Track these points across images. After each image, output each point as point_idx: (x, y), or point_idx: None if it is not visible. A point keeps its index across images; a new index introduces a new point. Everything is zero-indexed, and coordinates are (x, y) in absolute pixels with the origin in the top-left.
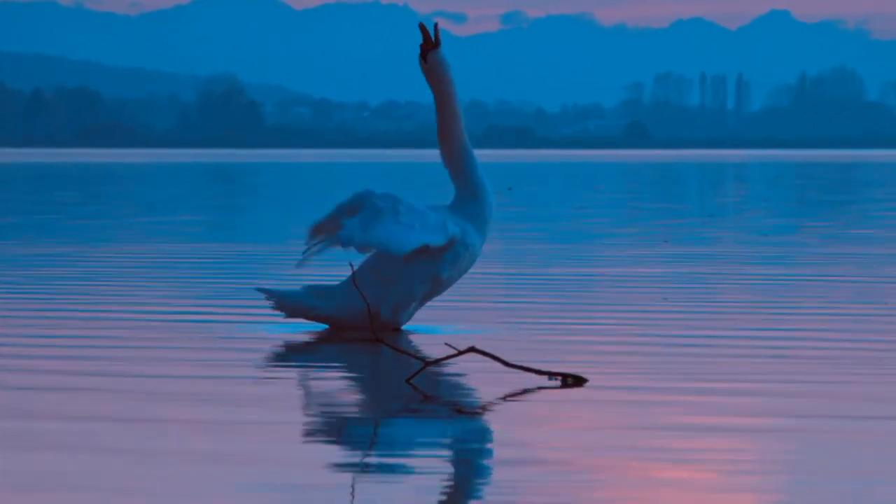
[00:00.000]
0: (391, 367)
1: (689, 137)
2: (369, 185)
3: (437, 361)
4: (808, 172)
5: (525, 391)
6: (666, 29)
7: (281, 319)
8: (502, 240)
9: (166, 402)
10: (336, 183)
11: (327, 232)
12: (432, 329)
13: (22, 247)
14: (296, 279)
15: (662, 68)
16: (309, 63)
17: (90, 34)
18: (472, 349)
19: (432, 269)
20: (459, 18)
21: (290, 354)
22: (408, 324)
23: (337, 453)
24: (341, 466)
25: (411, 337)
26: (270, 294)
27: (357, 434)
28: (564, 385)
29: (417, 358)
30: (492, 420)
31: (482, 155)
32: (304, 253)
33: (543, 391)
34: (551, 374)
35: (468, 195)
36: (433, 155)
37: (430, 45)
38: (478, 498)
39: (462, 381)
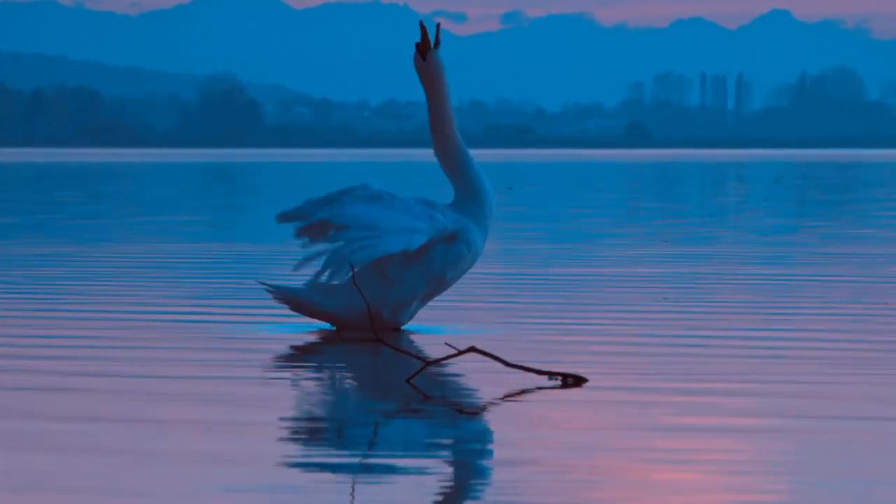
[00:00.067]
0: (391, 367)
1: (689, 137)
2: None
3: (438, 361)
4: (809, 172)
5: (525, 391)
6: (666, 29)
7: (281, 319)
8: (502, 240)
9: (166, 403)
10: (336, 183)
11: (314, 235)
12: (432, 329)
13: (22, 247)
14: (296, 278)
15: (663, 68)
16: (309, 63)
17: (90, 34)
18: (472, 349)
19: (434, 269)
20: (460, 18)
21: (290, 354)
22: (408, 323)
23: (337, 453)
24: (341, 466)
25: (412, 337)
26: (273, 288)
27: (357, 434)
28: (564, 385)
29: (418, 358)
30: (492, 420)
31: (482, 154)
32: (301, 259)
33: (543, 391)
34: (551, 374)
35: (467, 195)
36: (433, 155)
37: (427, 44)
38: (478, 498)
39: (462, 381)
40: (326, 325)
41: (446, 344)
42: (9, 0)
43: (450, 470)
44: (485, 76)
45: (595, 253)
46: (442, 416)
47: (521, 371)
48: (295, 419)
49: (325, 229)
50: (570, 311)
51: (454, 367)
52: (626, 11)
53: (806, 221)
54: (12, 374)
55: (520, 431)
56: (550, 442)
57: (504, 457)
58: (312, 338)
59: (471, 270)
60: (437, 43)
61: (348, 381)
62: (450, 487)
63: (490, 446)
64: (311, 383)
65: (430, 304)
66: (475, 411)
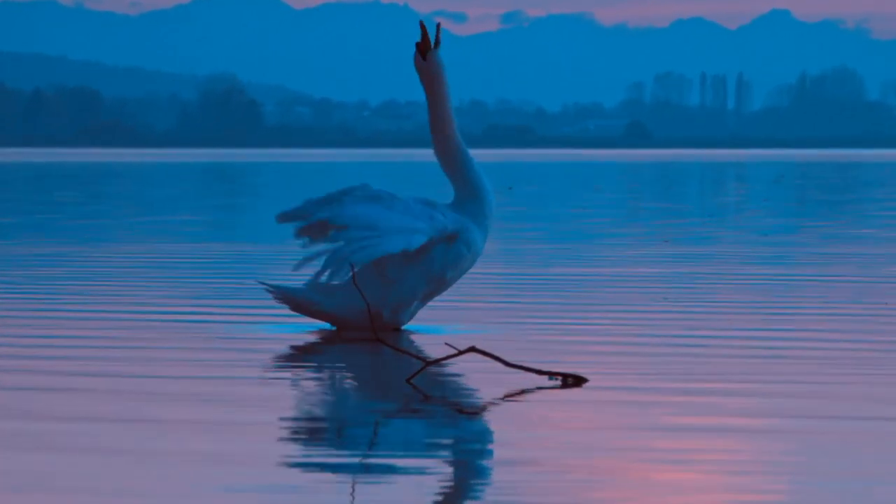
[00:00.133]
0: (391, 367)
1: (689, 137)
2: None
3: (438, 361)
4: (809, 172)
5: (525, 391)
6: (666, 28)
7: (281, 319)
8: (502, 240)
9: (166, 403)
10: (336, 183)
11: (314, 235)
12: (432, 329)
13: (22, 247)
14: (297, 279)
15: (663, 68)
16: (309, 63)
17: (90, 34)
18: (472, 349)
19: (434, 269)
20: (460, 18)
21: (290, 354)
22: (408, 323)
23: (337, 453)
24: (341, 466)
25: (412, 337)
26: (273, 288)
27: (357, 434)
28: (564, 385)
29: (418, 358)
30: (492, 420)
31: (482, 154)
32: (301, 259)
33: (543, 391)
34: (551, 374)
35: (468, 195)
36: (433, 155)
37: (427, 44)
38: (478, 498)
39: (462, 381)
40: (326, 325)
41: (446, 344)
42: (9, 0)
43: (450, 470)
44: (485, 76)
45: (595, 253)
46: (442, 416)
47: (522, 371)
48: (295, 419)
49: (325, 229)
50: (570, 311)
51: (454, 367)
52: (626, 11)
53: (806, 221)
54: (12, 374)
55: (520, 431)
56: (550, 442)
57: (504, 457)
58: (312, 338)
59: (471, 270)
60: (437, 43)
61: (348, 381)
62: (450, 487)
63: (490, 446)
64: (311, 383)
65: (430, 304)
66: (475, 411)
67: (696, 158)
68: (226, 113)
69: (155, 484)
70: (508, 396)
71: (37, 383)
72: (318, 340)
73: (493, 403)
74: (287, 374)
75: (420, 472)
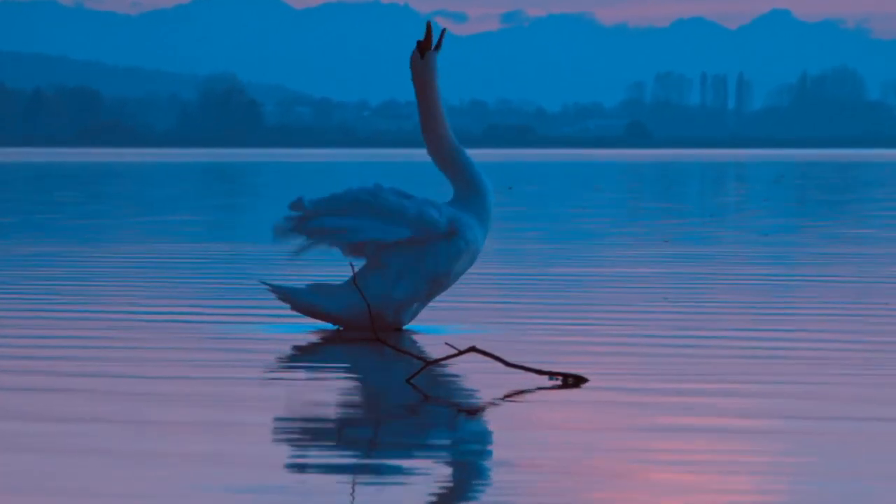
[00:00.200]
0: (391, 366)
1: (689, 137)
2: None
3: (438, 361)
4: (809, 172)
5: (525, 391)
6: (666, 28)
7: (280, 320)
8: (502, 240)
9: (165, 403)
10: (336, 183)
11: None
12: (433, 329)
13: (22, 247)
14: (297, 279)
15: (663, 68)
16: (309, 63)
17: (90, 34)
18: (472, 349)
19: (434, 266)
20: (460, 18)
21: (290, 355)
22: (409, 323)
23: (336, 454)
24: (341, 467)
25: (412, 337)
26: (275, 288)
27: (357, 435)
28: (565, 385)
29: (418, 358)
30: (492, 420)
31: (482, 154)
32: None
33: (543, 391)
34: (552, 374)
35: (465, 191)
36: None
37: (429, 45)
38: (478, 498)
39: (462, 381)
40: (327, 325)
41: (446, 344)
42: (9, 0)
43: (450, 470)
44: (485, 76)
45: (595, 253)
46: (442, 416)
47: (521, 371)
48: (295, 419)
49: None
50: (570, 311)
51: (454, 367)
52: (626, 11)
53: (806, 221)
54: (10, 375)
55: (520, 432)
56: (550, 442)
57: (504, 457)
58: (312, 338)
59: (471, 270)
60: (437, 46)
61: (348, 381)
62: (450, 488)
63: (490, 446)
64: (311, 383)
65: (430, 304)
66: (475, 411)
67: (697, 158)
68: (226, 113)
69: (155, 484)
70: (508, 396)
71: (35, 384)
72: (318, 340)
73: (492, 403)
74: (287, 375)
75: (420, 472)
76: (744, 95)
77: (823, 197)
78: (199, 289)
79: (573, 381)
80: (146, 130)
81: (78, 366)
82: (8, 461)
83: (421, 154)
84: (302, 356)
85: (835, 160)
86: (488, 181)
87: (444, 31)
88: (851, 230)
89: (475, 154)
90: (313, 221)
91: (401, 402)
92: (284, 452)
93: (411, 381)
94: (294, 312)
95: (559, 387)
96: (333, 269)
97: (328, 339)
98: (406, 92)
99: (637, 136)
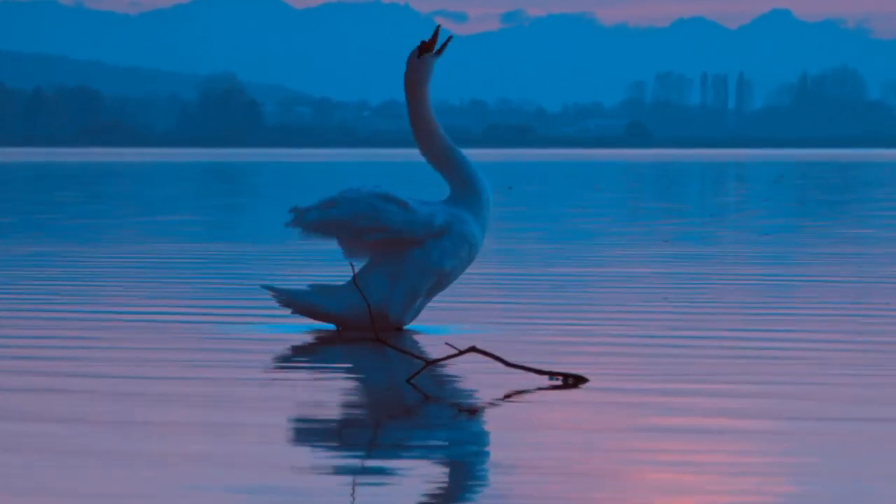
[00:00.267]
0: (391, 366)
1: (689, 137)
2: (369, 184)
3: (438, 361)
4: (809, 172)
5: (525, 391)
6: (667, 28)
7: (280, 320)
8: (502, 239)
9: (164, 404)
10: (336, 183)
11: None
12: (433, 329)
13: (22, 247)
14: (297, 280)
15: (663, 67)
16: (309, 62)
17: (90, 33)
18: (472, 349)
19: (436, 265)
20: (460, 17)
21: (290, 355)
22: (410, 323)
23: (336, 454)
24: (341, 468)
25: (413, 337)
26: (276, 291)
27: (357, 435)
28: (565, 385)
29: (418, 358)
30: (492, 420)
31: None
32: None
33: (544, 391)
34: (552, 374)
35: (463, 190)
36: (421, 155)
37: (431, 48)
38: (479, 499)
39: (462, 381)
40: (327, 325)
41: (446, 344)
42: (9, 0)
43: (450, 470)
44: (485, 76)
45: (595, 253)
46: (442, 416)
47: (522, 371)
48: (295, 420)
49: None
50: (570, 311)
51: (454, 367)
52: (626, 11)
53: (806, 221)
54: (9, 375)
55: (519, 432)
56: (550, 442)
57: (504, 457)
58: (312, 338)
59: (470, 270)
60: (439, 52)
61: (348, 381)
62: (449, 488)
63: (490, 447)
64: (311, 383)
65: (430, 304)
66: (475, 411)
67: (697, 158)
68: (226, 113)
69: (155, 485)
70: (508, 397)
71: (35, 384)
72: (318, 340)
73: (492, 404)
74: (287, 375)
75: (420, 472)
76: (744, 95)
77: (823, 197)
78: (199, 289)
79: (573, 381)
80: (146, 130)
81: (78, 366)
82: (8, 461)
83: (420, 154)
84: (302, 356)
85: (835, 160)
86: (484, 177)
87: (450, 37)
88: (851, 230)
89: (475, 154)
90: (330, 210)
91: (401, 403)
92: (284, 452)
93: (411, 381)
94: (296, 314)
95: (559, 387)
96: (333, 269)
97: (328, 340)
98: None
99: (637, 136)
